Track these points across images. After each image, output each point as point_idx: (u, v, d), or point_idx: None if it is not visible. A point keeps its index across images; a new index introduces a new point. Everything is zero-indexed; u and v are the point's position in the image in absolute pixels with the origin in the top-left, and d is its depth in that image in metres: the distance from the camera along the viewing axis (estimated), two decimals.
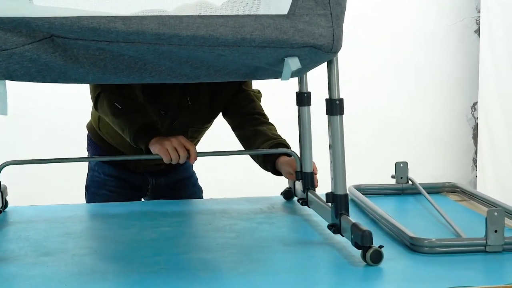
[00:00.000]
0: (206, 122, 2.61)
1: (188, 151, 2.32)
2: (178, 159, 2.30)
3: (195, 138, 2.64)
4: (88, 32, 1.65)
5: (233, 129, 2.61)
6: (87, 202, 2.70)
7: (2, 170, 2.29)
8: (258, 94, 2.65)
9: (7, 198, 2.42)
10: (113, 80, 1.81)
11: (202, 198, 2.81)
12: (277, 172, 2.51)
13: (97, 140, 2.67)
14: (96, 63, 1.74)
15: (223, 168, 3.83)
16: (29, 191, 3.16)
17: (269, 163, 2.50)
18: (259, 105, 2.62)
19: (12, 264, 1.86)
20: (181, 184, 2.77)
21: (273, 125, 2.58)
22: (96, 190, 2.67)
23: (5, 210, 2.41)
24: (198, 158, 2.37)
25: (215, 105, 2.56)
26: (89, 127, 2.71)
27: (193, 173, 2.83)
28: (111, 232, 2.16)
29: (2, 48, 1.66)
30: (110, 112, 2.39)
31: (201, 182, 2.85)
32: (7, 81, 1.74)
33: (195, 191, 2.81)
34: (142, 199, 2.75)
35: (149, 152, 2.33)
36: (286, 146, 2.48)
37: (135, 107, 2.38)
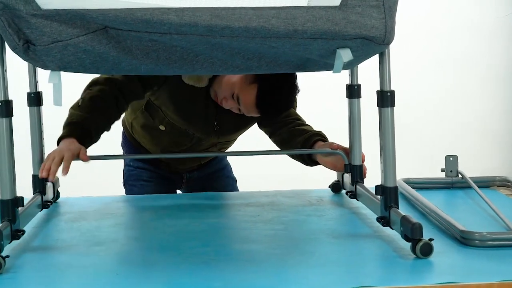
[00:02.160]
0: (234, 138, 2.63)
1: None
2: (41, 174, 2.12)
3: (225, 148, 2.67)
4: (141, 24, 1.68)
5: (269, 136, 2.57)
6: (126, 194, 2.74)
7: None
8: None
9: (59, 190, 2.46)
10: (166, 71, 1.83)
11: (237, 188, 2.82)
12: (314, 161, 2.48)
13: (133, 142, 2.69)
14: (149, 54, 1.76)
15: (268, 161, 3.83)
16: (82, 184, 3.23)
17: (304, 155, 2.48)
18: (294, 111, 2.57)
19: (64, 254, 1.89)
20: (214, 176, 2.78)
21: (309, 126, 2.53)
22: (133, 183, 2.71)
23: (57, 201, 2.44)
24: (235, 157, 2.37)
25: (243, 124, 2.53)
26: (124, 126, 2.73)
27: (227, 164, 2.84)
28: (160, 223, 2.18)
29: (58, 39, 1.69)
30: (84, 92, 2.30)
31: (247, 176, 2.85)
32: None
33: (228, 182, 2.82)
34: (178, 191, 2.79)
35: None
36: (322, 136, 2.47)
37: (100, 109, 2.27)
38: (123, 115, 2.61)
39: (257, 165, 3.49)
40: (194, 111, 2.41)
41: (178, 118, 2.44)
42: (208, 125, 2.47)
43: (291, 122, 2.52)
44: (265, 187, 2.73)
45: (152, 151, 2.61)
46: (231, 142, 2.67)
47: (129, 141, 2.70)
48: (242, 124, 2.53)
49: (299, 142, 2.45)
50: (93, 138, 2.24)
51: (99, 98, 2.27)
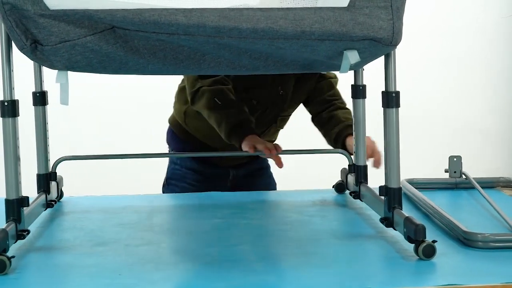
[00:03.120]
0: (293, 109, 2.68)
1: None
2: (269, 152, 2.35)
3: (281, 127, 2.72)
4: (149, 24, 1.68)
5: (312, 116, 2.70)
6: (164, 193, 2.77)
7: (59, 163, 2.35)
8: (335, 79, 2.72)
9: (62, 189, 2.46)
10: (173, 70, 1.84)
11: (276, 189, 2.85)
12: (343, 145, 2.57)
13: (181, 134, 2.71)
14: (156, 54, 1.76)
15: (272, 161, 3.85)
16: (85, 184, 3.24)
17: (339, 144, 2.55)
18: (338, 91, 2.70)
19: (67, 254, 1.90)
20: (258, 173, 2.81)
21: (348, 109, 2.62)
22: (176, 183, 2.73)
23: (61, 200, 2.44)
24: None
25: (300, 93, 2.63)
26: (172, 121, 2.76)
27: (269, 165, 2.86)
28: (164, 223, 2.20)
29: (65, 39, 1.70)
30: (208, 107, 2.44)
31: None
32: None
33: (270, 182, 2.85)
34: None
35: (241, 148, 2.39)
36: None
37: (233, 103, 2.44)
38: (172, 109, 2.72)
39: None
40: (260, 76, 2.42)
41: (245, 84, 2.48)
42: (274, 90, 2.53)
43: (333, 105, 2.64)
44: None
45: (209, 136, 2.61)
46: (286, 121, 2.72)
47: (177, 136, 2.73)
48: (300, 93, 2.64)
49: (334, 133, 2.56)
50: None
51: (221, 94, 2.43)
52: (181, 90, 2.66)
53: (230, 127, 2.40)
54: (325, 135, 2.64)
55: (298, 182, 2.99)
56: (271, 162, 2.82)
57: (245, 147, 2.36)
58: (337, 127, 2.57)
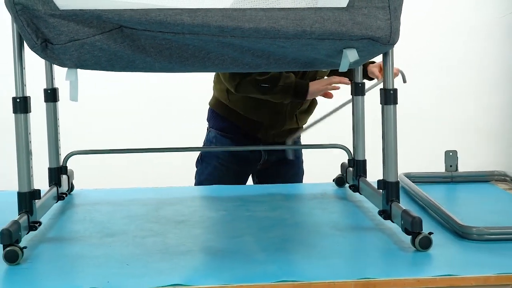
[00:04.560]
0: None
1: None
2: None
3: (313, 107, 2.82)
4: (155, 24, 1.73)
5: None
6: (198, 170, 2.84)
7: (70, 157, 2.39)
8: None
9: (73, 182, 2.50)
10: (178, 68, 1.88)
11: (302, 180, 2.90)
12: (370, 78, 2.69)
13: (224, 112, 2.78)
14: (162, 52, 1.81)
15: None
16: (94, 177, 3.28)
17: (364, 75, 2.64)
18: None
19: (77, 244, 1.94)
20: (288, 161, 2.84)
21: None
22: (209, 160, 2.80)
23: (71, 193, 2.48)
24: None
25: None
26: (214, 103, 2.82)
27: (301, 155, 2.92)
28: (171, 214, 2.22)
29: (75, 38, 1.75)
30: (258, 92, 2.57)
31: None
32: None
33: (297, 172, 2.90)
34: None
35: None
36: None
37: (276, 78, 2.56)
38: (213, 91, 2.82)
39: None
40: None
41: None
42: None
43: None
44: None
45: (256, 105, 2.69)
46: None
47: (219, 115, 2.80)
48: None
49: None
50: None
51: (262, 79, 2.59)
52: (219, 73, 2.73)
53: (291, 93, 2.55)
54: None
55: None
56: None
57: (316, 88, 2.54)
58: None
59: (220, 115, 2.79)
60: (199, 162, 2.84)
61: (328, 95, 2.63)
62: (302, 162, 2.93)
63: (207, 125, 2.87)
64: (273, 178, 2.81)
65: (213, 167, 2.77)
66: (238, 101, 2.71)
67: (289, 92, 2.58)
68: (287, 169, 2.83)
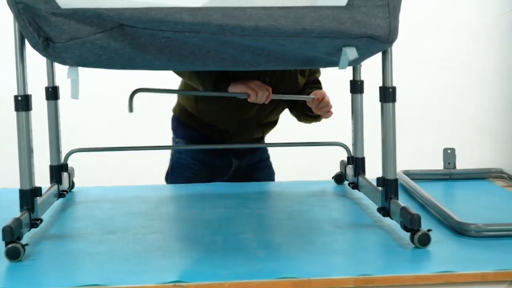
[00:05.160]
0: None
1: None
2: (262, 96, 2.41)
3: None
4: (155, 22, 1.74)
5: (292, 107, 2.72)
6: (168, 183, 2.77)
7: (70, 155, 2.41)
8: (319, 73, 2.75)
9: (74, 180, 2.52)
10: (178, 66, 1.91)
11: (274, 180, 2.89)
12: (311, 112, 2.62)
13: (189, 120, 2.72)
14: (162, 51, 1.82)
15: (273, 154, 3.90)
16: (95, 174, 3.29)
17: (304, 108, 2.62)
18: (317, 77, 2.74)
19: (78, 241, 1.95)
20: (259, 165, 2.84)
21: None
22: (180, 172, 2.73)
23: (72, 190, 2.49)
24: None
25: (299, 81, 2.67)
26: (178, 110, 2.77)
27: (269, 156, 2.91)
28: (171, 212, 2.25)
29: (76, 36, 1.76)
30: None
31: None
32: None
33: (269, 174, 2.88)
34: None
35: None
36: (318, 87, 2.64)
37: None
38: (178, 99, 2.76)
39: None
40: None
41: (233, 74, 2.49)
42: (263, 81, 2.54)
43: (310, 88, 2.67)
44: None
45: (219, 120, 2.65)
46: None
47: (185, 123, 2.74)
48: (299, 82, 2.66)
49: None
50: None
51: None
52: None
53: (214, 78, 2.45)
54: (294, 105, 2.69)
55: (299, 173, 3.04)
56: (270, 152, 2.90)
57: (239, 88, 2.42)
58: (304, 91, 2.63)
59: (187, 124, 2.74)
60: (169, 175, 2.78)
61: (328, 115, 2.59)
62: (271, 163, 2.91)
63: (172, 135, 2.82)
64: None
65: (185, 179, 2.72)
66: (206, 110, 2.66)
67: (212, 75, 2.47)
68: (258, 172, 2.82)
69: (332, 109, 2.57)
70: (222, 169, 2.77)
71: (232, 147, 2.68)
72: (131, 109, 2.26)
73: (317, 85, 2.71)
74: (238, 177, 2.76)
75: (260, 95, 2.41)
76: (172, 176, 2.77)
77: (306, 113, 2.66)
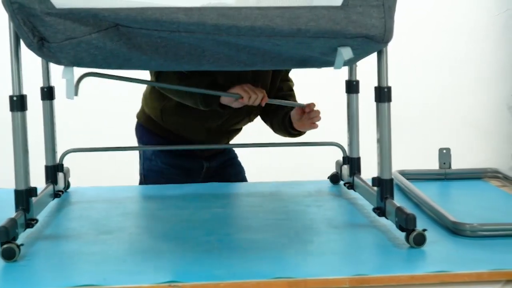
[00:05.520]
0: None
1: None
2: (256, 99, 2.39)
3: (251, 121, 2.73)
4: (151, 22, 1.74)
5: (266, 114, 2.70)
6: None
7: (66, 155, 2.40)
8: (292, 82, 2.75)
9: (69, 180, 2.51)
10: (174, 66, 1.89)
11: (245, 177, 2.89)
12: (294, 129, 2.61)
13: (156, 129, 2.69)
14: (158, 50, 1.82)
15: (270, 153, 3.90)
16: (91, 175, 3.29)
17: (286, 118, 2.61)
18: (291, 85, 2.73)
19: (74, 242, 1.95)
20: (229, 162, 2.85)
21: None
22: (155, 180, 2.70)
23: (68, 190, 2.49)
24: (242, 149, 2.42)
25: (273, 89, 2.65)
26: (143, 117, 2.73)
27: (236, 155, 2.91)
28: (166, 212, 2.24)
29: (71, 36, 1.75)
30: (175, 79, 2.42)
31: (248, 167, 2.93)
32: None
33: (240, 170, 2.89)
34: None
35: (221, 107, 2.43)
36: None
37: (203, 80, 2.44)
38: (143, 106, 2.72)
39: (259, 157, 3.54)
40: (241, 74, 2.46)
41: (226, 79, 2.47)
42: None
43: (282, 96, 2.65)
44: (266, 178, 2.79)
45: (186, 131, 2.64)
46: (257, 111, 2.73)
47: (151, 131, 2.71)
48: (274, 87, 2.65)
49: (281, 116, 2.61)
50: None
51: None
52: (153, 87, 2.65)
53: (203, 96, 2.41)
54: (274, 116, 2.66)
55: (295, 173, 3.05)
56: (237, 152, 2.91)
57: (234, 91, 2.38)
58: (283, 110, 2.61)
59: (152, 131, 2.71)
60: (143, 184, 2.75)
61: (314, 126, 2.57)
62: (239, 161, 2.91)
63: (138, 143, 2.79)
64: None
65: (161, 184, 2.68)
66: (172, 122, 2.64)
67: (202, 87, 2.42)
68: (229, 170, 2.82)
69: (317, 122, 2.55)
70: (194, 171, 2.76)
71: (222, 147, 2.71)
72: (76, 92, 2.20)
73: (290, 92, 2.70)
74: (210, 176, 2.76)
75: (253, 98, 2.40)
76: (147, 184, 2.73)
77: (287, 128, 2.63)
